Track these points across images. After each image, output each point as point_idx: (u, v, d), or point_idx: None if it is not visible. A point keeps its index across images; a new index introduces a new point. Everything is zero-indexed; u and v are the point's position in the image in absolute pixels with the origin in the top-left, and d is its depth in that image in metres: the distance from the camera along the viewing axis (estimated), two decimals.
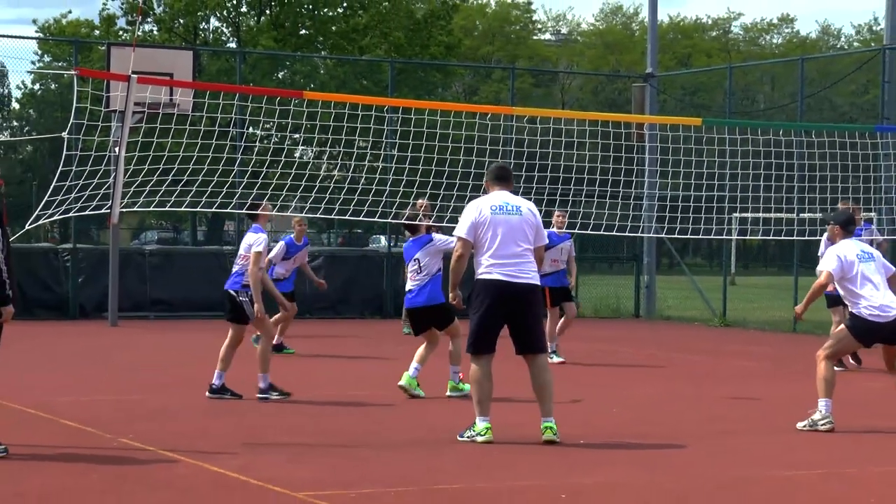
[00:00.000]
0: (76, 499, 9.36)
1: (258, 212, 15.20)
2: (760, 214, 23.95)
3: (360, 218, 18.62)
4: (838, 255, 13.38)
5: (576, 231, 19.60)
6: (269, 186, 18.69)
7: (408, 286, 15.44)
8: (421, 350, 15.18)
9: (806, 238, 23.89)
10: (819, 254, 18.68)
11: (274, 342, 16.89)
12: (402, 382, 15.03)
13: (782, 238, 24.44)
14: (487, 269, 11.78)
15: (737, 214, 24.44)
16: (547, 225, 18.70)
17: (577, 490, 9.97)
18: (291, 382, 16.54)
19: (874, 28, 77.74)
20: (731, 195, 22.47)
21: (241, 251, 14.84)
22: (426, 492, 9.83)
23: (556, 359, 18.61)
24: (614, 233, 20.82)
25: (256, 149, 25.17)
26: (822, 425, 13.13)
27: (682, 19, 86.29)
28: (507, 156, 23.16)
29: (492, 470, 10.76)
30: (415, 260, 15.28)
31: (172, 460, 10.85)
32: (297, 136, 24.59)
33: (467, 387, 15.03)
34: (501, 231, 11.79)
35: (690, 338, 25.70)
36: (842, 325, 13.81)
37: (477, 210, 11.95)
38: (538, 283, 11.89)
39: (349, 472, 10.49)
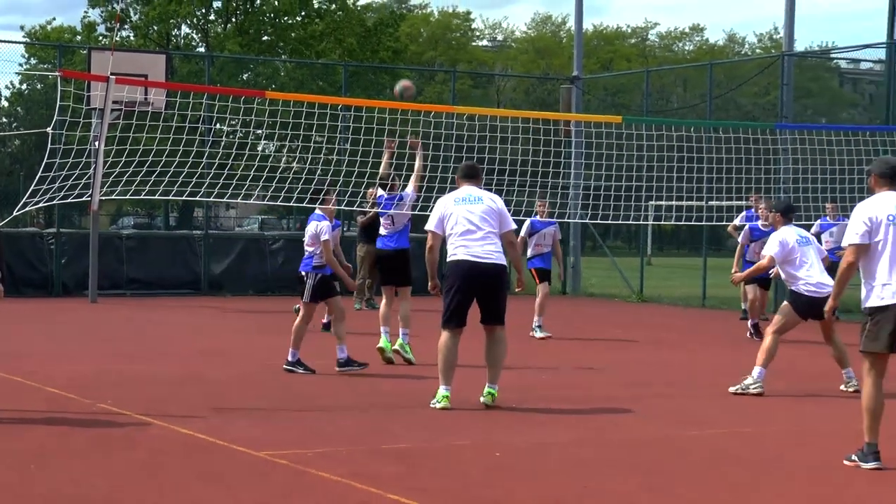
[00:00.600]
0: (63, 457, 9.32)
1: (322, 197, 14.96)
2: (674, 202, 24.01)
3: (314, 206, 18.54)
4: (780, 241, 13.60)
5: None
6: (235, 177, 18.62)
7: (382, 233, 16.03)
8: (382, 309, 15.49)
9: (714, 224, 24.05)
10: (740, 239, 19.16)
11: (323, 321, 17.64)
12: (380, 344, 15.24)
13: (693, 223, 24.60)
14: (455, 250, 11.88)
15: (653, 202, 24.53)
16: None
17: (511, 448, 10.00)
18: (256, 352, 16.50)
19: (774, 36, 78.17)
20: (648, 185, 22.54)
21: (307, 238, 14.53)
22: (374, 451, 9.83)
23: (539, 333, 18.80)
24: (544, 218, 20.83)
25: (223, 143, 25.04)
26: (752, 388, 13.29)
27: (605, 28, 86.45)
28: (448, 150, 23.11)
29: (434, 431, 10.78)
30: (388, 216, 15.87)
31: (146, 423, 10.81)
32: (259, 131, 24.55)
33: (413, 356, 15.09)
34: (465, 218, 11.88)
35: (612, 312, 25.81)
36: (785, 302, 13.91)
37: (443, 205, 12.14)
38: (502, 262, 11.89)
39: (306, 433, 10.48)
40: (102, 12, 53.31)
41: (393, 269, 15.80)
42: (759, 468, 9.48)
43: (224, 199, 17.83)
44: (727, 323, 23.09)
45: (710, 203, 23.68)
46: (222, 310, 23.80)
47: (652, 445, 10.38)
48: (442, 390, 11.84)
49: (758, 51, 79.96)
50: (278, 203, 18.71)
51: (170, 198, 19.07)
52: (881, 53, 26.18)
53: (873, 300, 9.28)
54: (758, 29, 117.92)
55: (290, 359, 14.35)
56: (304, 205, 17.37)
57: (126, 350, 16.79)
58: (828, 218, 21.72)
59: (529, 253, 19.09)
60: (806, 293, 13.41)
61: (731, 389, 13.37)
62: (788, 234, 13.65)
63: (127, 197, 17.31)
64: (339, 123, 24.41)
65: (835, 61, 67.19)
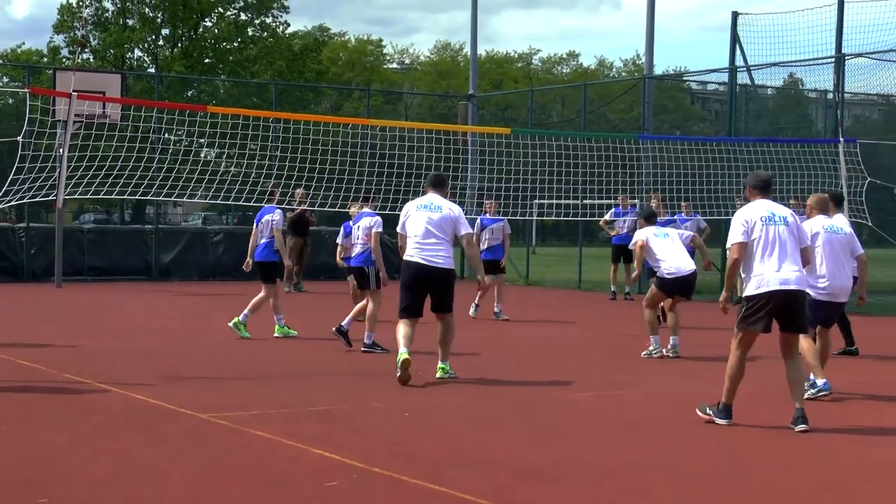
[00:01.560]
0: (32, 420, 9.15)
1: (372, 196, 14.74)
2: (554, 201, 24.12)
3: (252, 203, 18.43)
4: (639, 239, 14.28)
5: None
6: (181, 180, 18.40)
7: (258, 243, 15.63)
8: (256, 299, 15.27)
9: (588, 219, 24.19)
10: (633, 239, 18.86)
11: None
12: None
13: (570, 219, 24.71)
14: (410, 251, 11.52)
15: (537, 201, 24.60)
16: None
17: (418, 410, 10.00)
18: (200, 329, 16.34)
19: (637, 62, 78.87)
20: (532, 186, 22.62)
21: (361, 233, 14.09)
22: (303, 412, 9.77)
23: (501, 317, 18.54)
24: (493, 216, 20.80)
25: (170, 150, 24.79)
26: (654, 354, 13.95)
27: (496, 53, 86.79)
28: (364, 157, 23.07)
29: (353, 397, 10.74)
30: (264, 222, 15.52)
31: (105, 391, 10.65)
32: (202, 140, 24.25)
33: (294, 332, 15.07)
34: (423, 224, 11.51)
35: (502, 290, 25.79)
36: (652, 283, 14.51)
37: (406, 210, 11.76)
38: (450, 266, 11.53)
39: (245, 398, 10.39)
40: (66, 38, 52.73)
41: (261, 272, 15.50)
42: (627, 426, 9.56)
43: (172, 199, 17.61)
44: (599, 303, 23.28)
45: (585, 201, 23.81)
46: (171, 293, 23.55)
47: (539, 407, 10.41)
48: (404, 354, 11.23)
49: (623, 74, 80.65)
50: (218, 202, 18.54)
51: (125, 197, 18.82)
52: (724, 77, 26.50)
53: (750, 289, 9.33)
54: (623, 55, 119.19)
55: (366, 341, 13.72)
56: (241, 203, 17.26)
57: (88, 328, 16.55)
58: (682, 213, 21.96)
59: (481, 247, 18.92)
60: (667, 276, 14.04)
61: (643, 354, 14.00)
62: (647, 232, 14.31)
63: (88, 196, 17.07)
64: (270, 133, 24.22)
65: (687, 83, 67.86)
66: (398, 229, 11.84)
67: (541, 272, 30.76)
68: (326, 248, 29.48)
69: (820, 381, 10.86)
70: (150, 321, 17.73)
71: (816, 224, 11.19)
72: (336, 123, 23.42)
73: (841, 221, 11.71)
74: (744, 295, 9.44)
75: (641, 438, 8.96)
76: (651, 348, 14.00)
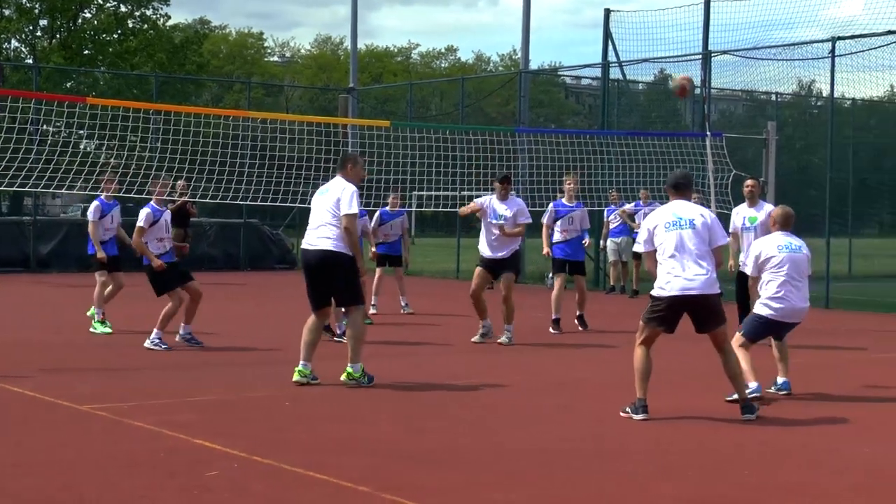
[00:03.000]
0: None
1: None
2: (433, 192, 24.15)
3: (132, 195, 18.11)
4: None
5: (297, 206, 19.39)
6: (59, 171, 17.97)
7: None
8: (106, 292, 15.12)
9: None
10: (544, 220, 18.05)
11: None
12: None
13: (449, 210, 24.76)
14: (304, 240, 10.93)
15: (416, 192, 24.59)
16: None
17: (300, 399, 9.93)
18: (79, 321, 15.99)
19: (514, 57, 79.39)
20: (412, 177, 22.60)
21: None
22: (185, 402, 9.64)
23: (408, 310, 18.52)
24: (394, 210, 20.68)
25: (49, 141, 24.22)
26: (476, 339, 14.33)
27: (376, 47, 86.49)
28: (244, 148, 22.80)
29: (236, 387, 10.62)
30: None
31: None
32: (81, 132, 23.75)
33: (105, 329, 14.68)
34: (313, 210, 10.90)
35: (384, 284, 25.79)
36: (477, 268, 14.63)
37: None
38: (332, 248, 10.55)
39: (125, 389, 10.20)
40: None
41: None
42: (505, 412, 9.62)
43: (50, 190, 17.18)
44: None
45: (463, 193, 23.89)
46: (49, 285, 23.05)
47: (419, 395, 10.41)
48: (299, 365, 10.74)
49: (500, 68, 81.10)
50: (98, 193, 18.13)
51: (2, 189, 18.35)
52: (597, 72, 26.83)
53: (655, 290, 9.24)
54: (500, 50, 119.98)
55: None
56: (121, 194, 16.96)
57: None
58: (563, 201, 22.16)
59: (379, 239, 18.89)
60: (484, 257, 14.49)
61: (473, 339, 14.32)
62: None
63: None
64: (150, 125, 23.83)
65: (561, 78, 68.56)
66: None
67: (420, 262, 30.80)
68: (207, 239, 29.17)
69: (752, 384, 9.77)
70: (27, 313, 17.31)
71: (772, 243, 10.34)
72: (217, 116, 23.15)
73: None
74: (650, 294, 9.35)
75: (520, 423, 9.02)
76: (481, 331, 14.36)
